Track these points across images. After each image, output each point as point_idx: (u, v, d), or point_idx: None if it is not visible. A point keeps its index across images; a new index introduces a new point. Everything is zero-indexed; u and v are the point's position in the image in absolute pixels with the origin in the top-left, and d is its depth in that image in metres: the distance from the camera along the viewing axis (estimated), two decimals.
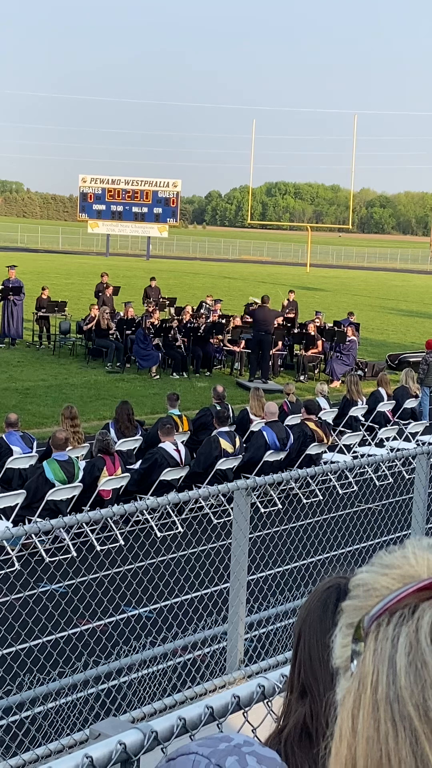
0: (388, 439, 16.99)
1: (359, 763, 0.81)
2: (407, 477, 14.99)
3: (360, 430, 17.02)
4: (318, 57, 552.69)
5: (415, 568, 0.87)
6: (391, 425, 17.79)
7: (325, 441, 15.12)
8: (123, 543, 11.55)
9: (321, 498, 14.15)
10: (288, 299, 30.18)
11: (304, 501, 13.93)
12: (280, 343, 25.24)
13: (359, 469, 15.07)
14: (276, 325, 24.78)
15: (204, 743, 1.24)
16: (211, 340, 24.92)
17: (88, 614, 8.99)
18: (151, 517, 12.31)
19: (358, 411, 17.84)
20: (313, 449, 14.75)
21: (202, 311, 28.78)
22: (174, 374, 23.84)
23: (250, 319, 25.69)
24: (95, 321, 25.31)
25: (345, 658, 0.88)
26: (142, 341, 23.85)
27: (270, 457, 14.01)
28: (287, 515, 13.23)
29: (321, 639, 2.09)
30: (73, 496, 11.83)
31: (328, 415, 17.14)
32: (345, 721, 0.84)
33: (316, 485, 14.53)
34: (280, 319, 26.55)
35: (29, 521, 10.83)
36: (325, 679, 2.07)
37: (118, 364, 24.26)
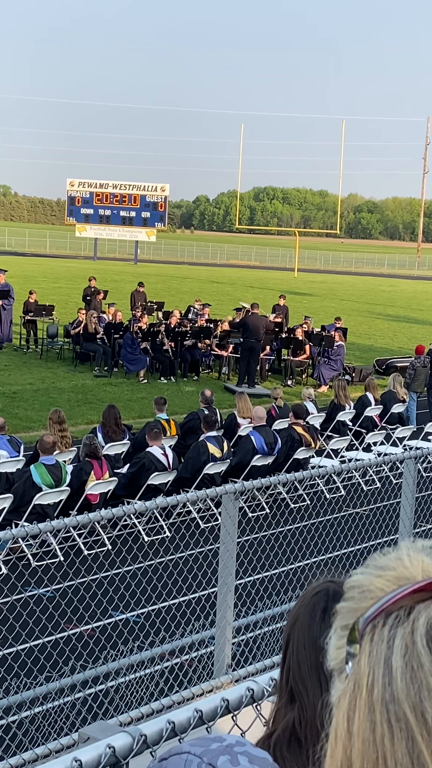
0: (375, 443, 17.03)
1: (355, 764, 0.81)
2: (395, 481, 15.01)
3: (347, 435, 17.05)
4: (306, 62, 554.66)
5: (409, 569, 0.87)
6: (379, 430, 17.83)
7: (313, 445, 15.13)
8: (110, 547, 11.53)
9: (309, 502, 14.17)
10: (279, 303, 30.26)
11: (292, 505, 13.93)
12: (267, 347, 25.24)
13: (347, 474, 15.10)
14: (265, 330, 24.76)
15: (196, 743, 1.24)
16: (199, 345, 24.91)
17: (76, 618, 8.97)
18: (139, 522, 12.29)
19: (345, 416, 17.86)
20: (300, 454, 14.76)
21: (190, 316, 28.77)
22: (162, 378, 23.82)
23: (227, 327, 25.50)
24: (83, 325, 25.27)
25: (340, 660, 0.89)
26: (130, 345, 23.83)
27: (258, 461, 14.01)
28: (275, 519, 13.23)
29: (309, 644, 2.09)
30: (61, 500, 11.81)
31: (316, 419, 17.16)
32: (340, 722, 0.84)
33: (304, 490, 14.54)
34: (269, 322, 26.57)
35: (16, 525, 10.81)
36: (314, 685, 2.07)
37: (105, 368, 24.23)
